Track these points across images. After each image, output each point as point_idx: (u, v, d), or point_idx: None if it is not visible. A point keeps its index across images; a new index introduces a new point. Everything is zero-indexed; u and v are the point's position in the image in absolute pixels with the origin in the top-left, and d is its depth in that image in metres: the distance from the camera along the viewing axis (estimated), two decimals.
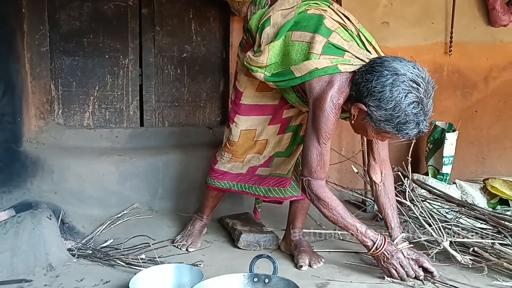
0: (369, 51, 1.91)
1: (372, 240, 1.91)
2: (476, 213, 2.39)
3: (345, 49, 1.85)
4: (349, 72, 1.81)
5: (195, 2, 3.08)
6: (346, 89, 1.81)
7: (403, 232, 2.08)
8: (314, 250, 2.27)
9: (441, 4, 3.34)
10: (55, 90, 2.94)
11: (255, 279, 1.77)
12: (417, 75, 1.67)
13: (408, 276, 1.90)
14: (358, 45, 1.90)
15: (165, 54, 3.14)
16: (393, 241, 2.02)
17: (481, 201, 3.01)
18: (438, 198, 2.58)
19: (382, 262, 1.93)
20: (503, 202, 3.00)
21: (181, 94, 3.21)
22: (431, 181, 2.99)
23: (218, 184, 2.34)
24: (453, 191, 2.97)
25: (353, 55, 1.84)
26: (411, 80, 1.65)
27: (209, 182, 2.37)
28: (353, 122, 1.85)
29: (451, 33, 3.35)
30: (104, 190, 2.75)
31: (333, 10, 1.95)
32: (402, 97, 1.64)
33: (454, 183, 3.09)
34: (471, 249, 2.10)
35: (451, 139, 3.10)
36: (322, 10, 1.92)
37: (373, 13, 3.22)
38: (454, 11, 3.32)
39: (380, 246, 1.91)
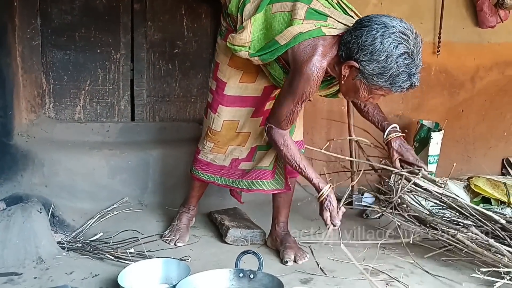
0: (352, 17, 1.94)
1: (319, 188, 1.98)
2: (458, 207, 2.45)
3: (327, 14, 1.87)
4: (333, 35, 1.83)
5: None
6: (329, 52, 1.82)
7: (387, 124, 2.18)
8: (300, 245, 2.32)
9: (429, 4, 3.38)
10: (46, 84, 2.96)
11: (241, 275, 1.82)
12: (405, 28, 1.70)
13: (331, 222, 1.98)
14: (338, 11, 1.93)
15: (157, 50, 3.16)
16: (385, 131, 2.14)
17: (465, 199, 3.06)
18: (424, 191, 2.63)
19: (321, 210, 2.00)
20: (486, 200, 3.07)
21: (172, 90, 3.24)
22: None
23: (202, 175, 2.38)
24: (437, 189, 3.03)
25: (335, 20, 1.87)
26: (400, 32, 1.68)
27: (193, 172, 2.40)
28: (343, 82, 1.84)
29: (439, 33, 3.39)
30: (95, 184, 2.78)
31: None
32: (393, 48, 1.67)
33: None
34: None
35: (436, 138, 3.16)
36: None
37: (362, 12, 3.16)
38: (443, 12, 3.36)
39: (323, 193, 1.97)
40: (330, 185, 2.00)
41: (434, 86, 3.51)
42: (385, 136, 2.17)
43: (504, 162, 3.76)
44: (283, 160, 2.08)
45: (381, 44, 1.67)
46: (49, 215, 2.43)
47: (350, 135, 3.07)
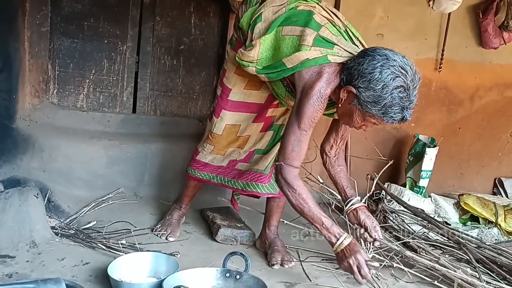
0: (357, 46, 1.99)
1: (336, 236, 1.90)
2: (438, 229, 2.52)
3: (334, 42, 1.92)
4: (338, 63, 1.89)
5: None
6: (333, 80, 1.88)
7: (357, 196, 2.18)
8: (287, 249, 2.37)
9: (435, 21, 3.43)
10: (52, 70, 2.99)
11: (227, 275, 1.87)
12: (405, 63, 1.75)
13: (362, 278, 1.88)
14: (345, 39, 1.99)
15: (163, 44, 3.20)
16: (349, 201, 2.13)
17: (453, 216, 3.13)
18: (406, 210, 2.69)
19: (342, 259, 1.91)
20: (474, 218, 3.13)
21: (175, 85, 3.28)
22: (407, 192, 3.10)
23: (198, 174, 2.43)
24: (427, 204, 3.09)
25: (342, 48, 1.92)
26: (400, 66, 1.73)
27: (189, 172, 2.45)
28: (340, 106, 1.89)
29: (443, 50, 3.44)
30: (92, 173, 2.82)
31: (322, 7, 2.04)
32: (390, 79, 1.72)
33: (430, 196, 3.21)
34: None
35: (431, 154, 3.21)
36: (311, 6, 2.01)
37: (368, 23, 3.30)
38: (448, 29, 3.41)
39: (344, 243, 1.88)
40: (346, 233, 1.92)
41: (434, 102, 3.56)
42: (347, 206, 2.15)
43: (496, 181, 3.82)
44: (292, 204, 1.93)
45: (379, 74, 1.72)
46: (45, 200, 2.47)
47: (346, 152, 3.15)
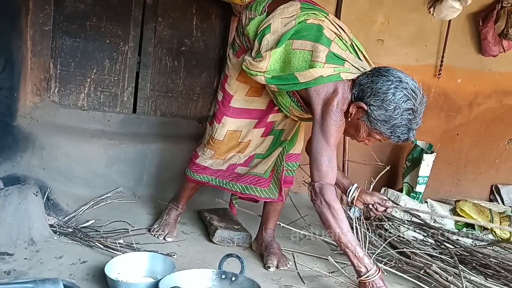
0: (362, 60, 2.03)
1: (366, 267, 1.88)
2: (427, 229, 2.55)
3: (344, 58, 1.96)
4: (349, 80, 1.93)
5: None
6: (348, 95, 1.92)
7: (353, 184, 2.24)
8: (283, 252, 2.39)
9: (435, 28, 3.46)
10: (53, 68, 3.02)
11: (223, 276, 1.89)
12: (415, 87, 1.82)
13: None
14: (352, 54, 2.01)
15: (165, 45, 3.22)
16: (349, 191, 2.20)
17: (449, 222, 3.15)
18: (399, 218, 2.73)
19: None
20: (470, 225, 3.15)
21: (176, 86, 3.30)
22: (404, 197, 3.12)
23: (197, 177, 2.43)
24: (423, 210, 3.11)
25: (351, 64, 1.96)
26: (411, 89, 1.80)
27: (188, 174, 2.46)
28: (349, 120, 1.92)
29: (442, 57, 3.47)
30: (91, 172, 2.84)
31: (330, 20, 2.05)
32: (402, 101, 1.78)
33: (426, 202, 3.23)
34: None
35: (428, 160, 3.23)
36: (320, 20, 2.02)
37: (369, 29, 3.33)
38: (448, 37, 3.44)
39: (372, 276, 1.87)
40: (377, 266, 1.93)
41: (432, 108, 3.58)
42: (349, 194, 2.22)
43: (493, 188, 3.84)
44: (328, 228, 1.94)
45: (393, 96, 1.78)
46: (45, 198, 2.49)
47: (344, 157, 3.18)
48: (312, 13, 2.04)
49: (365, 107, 1.84)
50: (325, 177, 1.92)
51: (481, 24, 3.44)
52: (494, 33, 3.42)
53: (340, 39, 2.00)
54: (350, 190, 2.22)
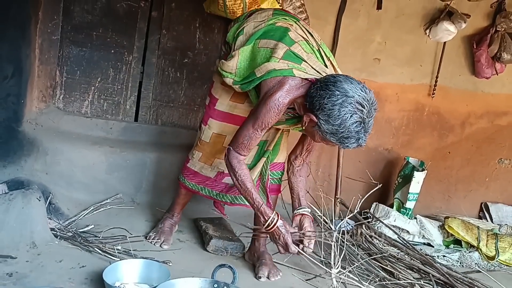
0: (327, 65, 2.14)
1: (265, 216, 2.11)
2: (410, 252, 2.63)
3: (304, 59, 2.08)
4: (302, 78, 2.03)
5: (203, 12, 3.25)
6: (294, 92, 2.02)
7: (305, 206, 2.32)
8: (275, 263, 2.48)
9: (431, 49, 3.56)
10: (59, 76, 3.12)
11: (215, 285, 1.98)
12: (363, 98, 1.88)
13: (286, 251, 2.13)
14: (317, 58, 2.14)
15: (168, 57, 3.32)
16: (300, 208, 2.30)
17: (437, 238, 3.24)
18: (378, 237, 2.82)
19: (273, 239, 2.16)
20: (458, 241, 3.24)
21: (177, 96, 3.40)
22: (394, 213, 3.21)
23: (188, 184, 2.56)
24: (412, 226, 3.20)
25: (309, 65, 2.07)
26: (357, 102, 1.86)
27: (181, 180, 2.59)
28: (304, 127, 2.04)
29: (437, 77, 3.57)
30: (92, 178, 2.94)
31: (299, 25, 2.21)
32: (347, 117, 1.86)
33: (415, 218, 3.32)
34: None
35: (418, 177, 3.32)
36: (289, 24, 2.18)
37: (367, 48, 3.43)
38: (442, 58, 3.54)
39: (272, 224, 2.10)
40: (276, 213, 2.13)
41: (425, 126, 3.68)
42: (297, 210, 2.31)
43: (483, 206, 3.93)
44: (234, 184, 2.19)
45: (338, 112, 1.86)
46: (47, 202, 2.58)
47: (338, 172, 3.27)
48: (283, 18, 2.21)
49: (315, 119, 1.92)
50: (237, 147, 2.12)
51: (475, 47, 3.54)
52: (488, 56, 3.52)
53: (306, 42, 2.14)
54: (303, 208, 2.29)
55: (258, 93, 2.18)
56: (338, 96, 1.86)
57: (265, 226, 2.12)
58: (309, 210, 2.32)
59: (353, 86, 1.88)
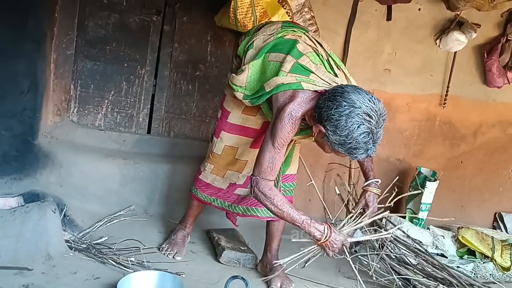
0: (337, 75, 2.14)
1: (319, 230, 2.01)
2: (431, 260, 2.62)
3: (312, 71, 2.07)
4: (312, 91, 2.03)
5: (215, 26, 3.30)
6: (306, 105, 2.01)
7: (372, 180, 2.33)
8: (287, 275, 2.48)
9: (441, 59, 3.56)
10: (73, 90, 3.17)
11: None
12: (371, 109, 1.86)
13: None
14: (326, 68, 2.13)
15: (180, 70, 3.37)
16: (369, 182, 2.32)
17: (451, 249, 3.22)
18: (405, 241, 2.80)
19: (328, 249, 2.06)
20: (471, 252, 3.21)
21: (190, 108, 3.44)
22: (406, 223, 3.20)
23: (200, 195, 2.58)
24: (425, 236, 3.18)
25: (318, 76, 2.07)
26: (365, 113, 1.85)
27: (193, 191, 2.61)
28: (314, 138, 2.05)
29: (448, 86, 3.57)
30: (106, 190, 2.97)
31: (308, 36, 2.21)
32: (355, 128, 1.85)
33: (428, 228, 3.30)
34: None
35: (431, 187, 3.31)
36: (298, 36, 2.18)
37: (377, 59, 3.45)
38: (453, 67, 3.54)
39: (327, 236, 2.01)
40: (326, 224, 2.05)
41: (437, 136, 3.67)
42: (365, 184, 2.34)
43: (497, 216, 3.90)
44: (273, 212, 2.07)
45: (345, 122, 1.85)
46: (62, 215, 2.62)
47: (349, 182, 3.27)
48: (291, 30, 2.22)
49: (324, 130, 1.92)
50: (263, 173, 2.03)
51: (486, 57, 3.53)
52: (499, 65, 3.52)
53: (316, 53, 2.14)
54: (371, 182, 2.32)
55: (270, 105, 2.20)
56: (345, 107, 1.85)
57: (321, 241, 2.03)
58: (378, 182, 2.33)
59: (361, 97, 1.87)
